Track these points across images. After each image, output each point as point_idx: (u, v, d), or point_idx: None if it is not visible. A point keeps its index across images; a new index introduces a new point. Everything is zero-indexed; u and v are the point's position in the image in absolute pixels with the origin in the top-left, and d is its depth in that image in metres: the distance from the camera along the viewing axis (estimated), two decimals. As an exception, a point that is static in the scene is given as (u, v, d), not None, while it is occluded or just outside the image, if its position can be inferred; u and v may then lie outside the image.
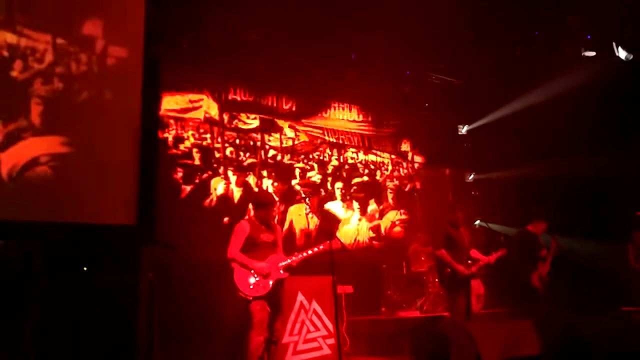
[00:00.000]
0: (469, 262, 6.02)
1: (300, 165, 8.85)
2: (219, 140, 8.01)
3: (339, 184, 9.21)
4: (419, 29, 7.81)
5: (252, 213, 5.50)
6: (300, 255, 5.32)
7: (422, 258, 8.56)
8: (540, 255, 6.47)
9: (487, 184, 10.14)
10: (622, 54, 8.23)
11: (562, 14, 8.05)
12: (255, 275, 5.04)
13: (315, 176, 8.99)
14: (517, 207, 9.16)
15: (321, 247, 5.33)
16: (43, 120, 5.03)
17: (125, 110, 5.52)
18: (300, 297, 5.99)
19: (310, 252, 5.34)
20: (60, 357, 4.76)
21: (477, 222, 9.39)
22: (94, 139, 5.41)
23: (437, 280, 8.32)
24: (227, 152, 8.07)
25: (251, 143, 8.38)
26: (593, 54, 8.46)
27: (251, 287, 5.00)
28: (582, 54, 8.54)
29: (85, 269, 5.40)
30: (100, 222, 5.38)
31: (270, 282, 5.07)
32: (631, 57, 8.30)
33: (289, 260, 5.25)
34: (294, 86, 8.79)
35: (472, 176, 10.40)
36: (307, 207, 8.20)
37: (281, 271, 5.17)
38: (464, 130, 10.50)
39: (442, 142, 10.28)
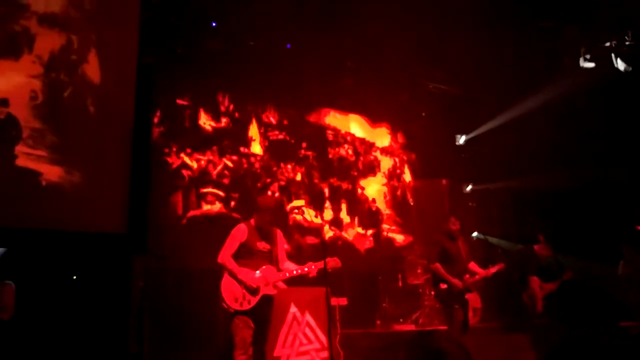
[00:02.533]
0: (467, 275, 5.94)
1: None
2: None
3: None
4: (417, 38, 7.80)
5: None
6: (295, 272, 4.90)
7: (419, 270, 8.48)
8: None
9: (485, 195, 10.06)
10: (621, 65, 8.21)
11: (560, 25, 8.04)
12: (243, 287, 4.68)
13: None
14: (515, 219, 9.09)
15: (318, 264, 4.84)
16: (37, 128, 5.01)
17: (118, 119, 5.48)
18: (293, 309, 5.89)
19: (306, 269, 4.88)
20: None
21: (475, 234, 9.32)
22: (87, 147, 5.37)
23: (432, 293, 8.24)
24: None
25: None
26: (592, 65, 8.43)
27: (236, 299, 4.64)
28: (581, 65, 8.52)
29: (75, 277, 5.34)
30: (92, 230, 5.33)
31: (258, 297, 4.69)
32: (630, 69, 8.28)
33: (281, 277, 4.86)
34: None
35: (469, 187, 10.32)
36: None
37: (273, 285, 4.80)
38: (461, 140, 10.43)
39: (440, 152, 10.21)
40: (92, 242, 5.38)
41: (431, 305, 8.07)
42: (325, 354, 5.91)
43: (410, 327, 7.81)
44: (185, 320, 6.05)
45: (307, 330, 5.96)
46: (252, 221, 4.96)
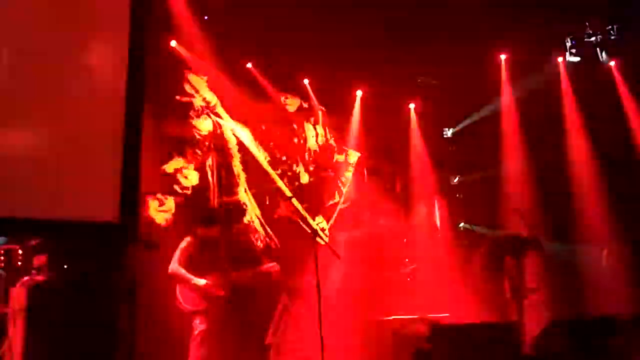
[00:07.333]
0: None
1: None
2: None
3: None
4: (403, 30, 7.84)
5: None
6: (240, 276, 5.78)
7: (406, 259, 8.57)
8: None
9: (471, 186, 10.15)
10: (605, 58, 8.36)
11: (547, 20, 8.13)
12: (194, 290, 5.55)
13: None
14: (501, 208, 9.21)
15: (261, 269, 5.93)
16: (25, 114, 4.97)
17: (109, 104, 5.44)
18: (285, 298, 5.96)
19: (250, 273, 5.87)
20: (40, 356, 4.69)
21: (462, 224, 9.44)
22: (77, 132, 5.34)
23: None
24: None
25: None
26: (577, 59, 8.56)
27: (190, 300, 5.53)
28: (566, 59, 8.65)
29: (65, 267, 5.32)
30: (82, 219, 5.31)
31: (208, 298, 5.56)
32: (614, 62, 8.45)
33: (229, 282, 5.67)
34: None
35: (457, 179, 10.40)
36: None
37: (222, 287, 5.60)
38: (449, 133, 10.50)
39: (428, 144, 10.26)
40: (84, 232, 5.35)
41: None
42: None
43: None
44: (177, 310, 6.08)
45: (298, 319, 6.02)
46: (198, 234, 5.78)
